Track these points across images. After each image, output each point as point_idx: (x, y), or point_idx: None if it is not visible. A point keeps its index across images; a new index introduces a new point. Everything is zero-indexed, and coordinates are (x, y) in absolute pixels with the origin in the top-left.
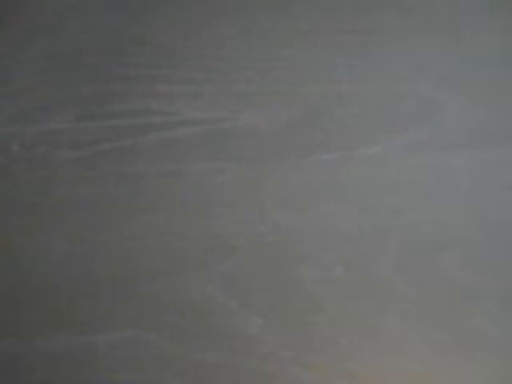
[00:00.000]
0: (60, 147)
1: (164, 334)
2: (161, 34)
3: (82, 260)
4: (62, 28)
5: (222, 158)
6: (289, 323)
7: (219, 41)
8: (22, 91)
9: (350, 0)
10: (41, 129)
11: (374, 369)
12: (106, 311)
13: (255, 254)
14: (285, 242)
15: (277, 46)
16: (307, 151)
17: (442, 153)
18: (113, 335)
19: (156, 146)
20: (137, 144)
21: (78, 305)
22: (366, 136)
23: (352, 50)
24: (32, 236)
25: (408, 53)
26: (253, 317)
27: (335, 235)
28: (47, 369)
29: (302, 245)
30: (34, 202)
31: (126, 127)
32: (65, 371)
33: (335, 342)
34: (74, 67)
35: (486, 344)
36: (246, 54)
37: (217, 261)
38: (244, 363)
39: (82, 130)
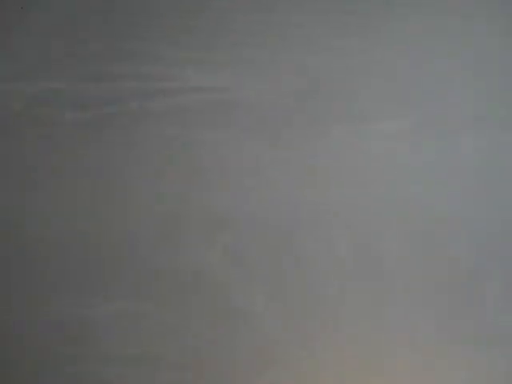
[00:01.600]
0: (63, 108)
1: (162, 305)
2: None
3: (81, 226)
4: None
5: (227, 128)
6: (291, 298)
7: (229, 12)
8: (25, 49)
9: None
10: (43, 88)
11: (376, 345)
12: (104, 281)
13: (257, 227)
14: (289, 215)
15: (286, 17)
16: (314, 123)
17: (454, 131)
18: (110, 306)
19: (161, 111)
20: (142, 108)
21: (73, 274)
22: (376, 110)
23: (364, 22)
24: (32, 195)
25: (421, 26)
26: (254, 291)
27: (342, 209)
28: (42, 340)
29: (307, 219)
30: (35, 161)
31: (131, 90)
32: (59, 343)
33: (337, 318)
34: (82, 26)
35: (491, 330)
36: (255, 24)
37: (219, 232)
38: (243, 337)
39: (86, 91)
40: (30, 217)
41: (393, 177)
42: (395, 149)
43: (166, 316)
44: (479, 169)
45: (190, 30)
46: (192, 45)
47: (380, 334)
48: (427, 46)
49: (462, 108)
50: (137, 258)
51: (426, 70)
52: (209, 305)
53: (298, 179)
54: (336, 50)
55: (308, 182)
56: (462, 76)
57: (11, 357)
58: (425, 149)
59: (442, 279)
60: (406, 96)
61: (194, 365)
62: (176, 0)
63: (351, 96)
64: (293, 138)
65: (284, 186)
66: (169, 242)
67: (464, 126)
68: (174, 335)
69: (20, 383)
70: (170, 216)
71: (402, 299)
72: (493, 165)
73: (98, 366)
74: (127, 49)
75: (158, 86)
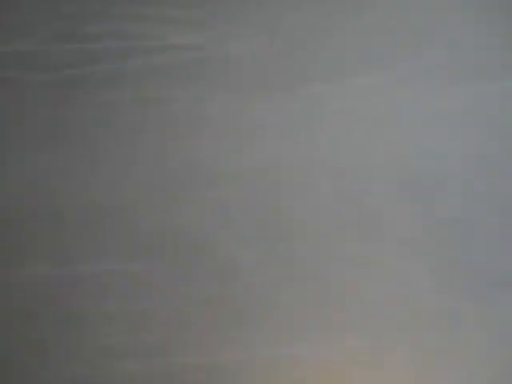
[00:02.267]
0: (32, 69)
1: (152, 264)
2: None
3: (61, 188)
4: None
5: (204, 85)
6: (279, 252)
7: None
8: None
9: None
10: (11, 49)
11: (362, 296)
12: (93, 241)
13: (241, 185)
14: (274, 172)
15: None
16: (295, 80)
17: (440, 84)
18: (99, 265)
19: (137, 71)
20: (116, 69)
21: (62, 234)
22: (359, 65)
23: None
24: (4, 163)
25: None
26: (244, 246)
27: (326, 167)
28: (32, 299)
29: (291, 176)
30: (5, 123)
31: (104, 50)
32: (48, 302)
33: (326, 270)
34: None
35: (485, 275)
36: None
37: (203, 191)
38: (234, 293)
39: (56, 52)
40: (5, 180)
41: (381, 131)
42: (382, 103)
43: (154, 275)
44: (469, 121)
45: None
46: (167, 3)
47: (369, 290)
48: None
49: (451, 58)
50: (122, 220)
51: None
52: (198, 263)
53: (276, 134)
54: (311, 7)
55: (288, 137)
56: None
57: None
58: (414, 101)
59: (436, 230)
60: (390, 49)
61: (184, 322)
62: None
63: (328, 51)
64: (270, 94)
65: (263, 141)
66: (153, 203)
67: (455, 76)
68: (164, 294)
69: (19, 331)
70: (152, 178)
71: (396, 253)
72: (482, 116)
73: (96, 322)
74: (100, 8)
75: (133, 45)
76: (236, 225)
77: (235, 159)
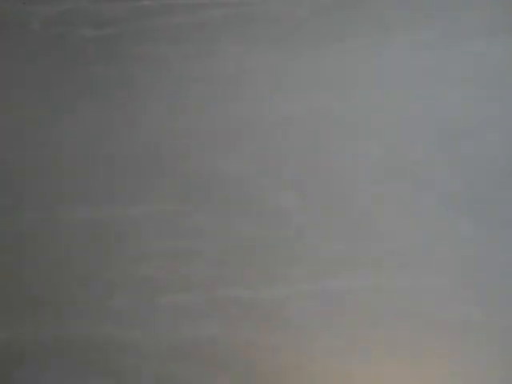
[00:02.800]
0: (81, 26)
1: (196, 207)
2: None
3: (110, 136)
4: None
5: (248, 42)
6: (319, 196)
7: None
8: None
9: None
10: (61, 7)
11: (405, 241)
12: (134, 185)
13: (284, 132)
14: (318, 121)
15: None
16: (336, 37)
17: (479, 40)
18: (142, 207)
19: (180, 27)
20: (160, 25)
21: (101, 180)
22: (400, 25)
23: None
24: (48, 116)
25: None
26: (286, 190)
27: (371, 121)
28: (72, 239)
29: (337, 127)
30: (53, 80)
31: (148, 8)
32: (89, 243)
33: (370, 217)
34: None
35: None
36: None
37: (243, 140)
38: (279, 234)
39: (103, 9)
40: (53, 132)
41: (415, 88)
42: (420, 59)
43: (201, 216)
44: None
45: None
46: None
47: (413, 230)
48: None
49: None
50: (164, 166)
51: None
52: (241, 206)
53: (314, 87)
54: None
55: (325, 90)
56: None
57: (32, 257)
58: (448, 59)
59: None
60: (429, 6)
61: (231, 261)
62: None
63: (372, 8)
64: (312, 50)
65: (302, 93)
66: (195, 152)
67: (477, 35)
68: (211, 234)
69: (46, 276)
70: (194, 129)
71: (435, 202)
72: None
73: (134, 262)
74: None
75: (178, 2)
76: (277, 171)
77: (277, 112)
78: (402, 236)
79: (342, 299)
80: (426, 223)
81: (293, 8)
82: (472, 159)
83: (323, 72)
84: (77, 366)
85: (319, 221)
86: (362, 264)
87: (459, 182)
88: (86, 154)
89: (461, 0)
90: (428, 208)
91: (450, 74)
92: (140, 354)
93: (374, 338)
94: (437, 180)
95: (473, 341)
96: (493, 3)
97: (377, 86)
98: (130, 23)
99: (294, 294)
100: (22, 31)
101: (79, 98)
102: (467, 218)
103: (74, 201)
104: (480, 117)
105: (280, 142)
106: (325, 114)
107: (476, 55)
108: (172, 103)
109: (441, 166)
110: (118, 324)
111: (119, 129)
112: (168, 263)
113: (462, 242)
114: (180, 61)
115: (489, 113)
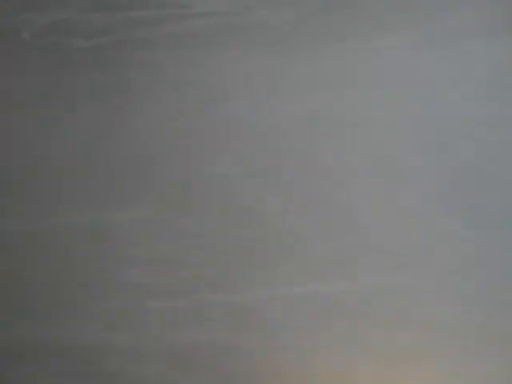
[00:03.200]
0: (73, 36)
1: (183, 212)
2: None
3: (98, 143)
4: None
5: (243, 46)
6: (303, 199)
7: None
8: None
9: None
10: (53, 18)
11: (391, 230)
12: (123, 190)
13: (269, 135)
14: (306, 124)
15: None
16: (320, 42)
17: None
18: (132, 213)
19: (172, 36)
20: (153, 34)
21: (96, 184)
22: (400, 25)
23: None
24: (46, 122)
25: None
26: (272, 196)
27: (370, 121)
28: (69, 243)
29: (323, 129)
30: (47, 89)
31: (140, 18)
32: (86, 246)
33: (356, 217)
34: None
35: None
36: None
37: (235, 142)
38: (261, 240)
39: (96, 20)
40: (46, 139)
41: (408, 87)
42: (409, 60)
43: (181, 220)
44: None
45: None
46: None
47: (411, 230)
48: None
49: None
50: (154, 171)
51: None
52: (226, 209)
53: (309, 91)
54: None
55: (318, 94)
56: None
57: (35, 259)
58: (438, 58)
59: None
60: (418, 7)
61: (212, 263)
62: None
63: (363, 12)
64: (303, 54)
65: (296, 97)
66: (182, 154)
67: (477, 34)
68: (191, 238)
69: (47, 279)
70: (184, 131)
71: (435, 203)
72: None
73: (120, 265)
74: None
75: (166, 13)
76: (260, 173)
77: (266, 113)
78: (399, 237)
79: (329, 301)
80: (425, 224)
81: (278, 15)
82: (470, 160)
83: (321, 73)
84: (72, 366)
85: (302, 226)
86: (349, 266)
87: (458, 181)
88: (74, 161)
89: (461, 0)
90: (427, 208)
91: (450, 74)
92: (125, 356)
93: (371, 339)
94: (436, 180)
95: (473, 341)
96: (493, 3)
97: (376, 86)
98: (123, 32)
99: (280, 297)
100: (13, 40)
101: (73, 103)
102: (466, 218)
103: (61, 207)
104: (480, 117)
105: (268, 145)
106: (322, 115)
107: (476, 55)
108: (166, 106)
109: (440, 166)
110: (106, 327)
111: (113, 135)
112: (153, 268)
113: (462, 243)
114: (174, 66)
115: (489, 113)
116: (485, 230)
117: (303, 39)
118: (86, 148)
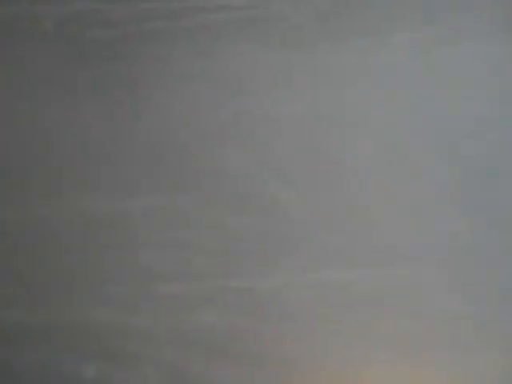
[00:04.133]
0: (93, 27)
1: (196, 199)
2: None
3: (116, 133)
4: None
5: (254, 43)
6: (318, 191)
7: None
8: None
9: None
10: (73, 8)
11: (402, 229)
12: (140, 177)
13: (283, 128)
14: (321, 121)
15: None
16: (339, 37)
17: (479, 42)
18: (147, 200)
19: (189, 29)
20: (170, 27)
21: (110, 171)
22: (398, 24)
23: None
24: (68, 112)
25: None
26: (284, 185)
27: (371, 120)
28: (85, 231)
29: (336, 125)
30: (67, 79)
31: (159, 10)
32: (101, 234)
33: (369, 212)
34: None
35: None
36: None
37: (249, 133)
38: (275, 227)
39: (114, 11)
40: (62, 129)
41: (416, 88)
42: (417, 60)
43: (200, 208)
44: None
45: None
46: None
47: (412, 226)
48: None
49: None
50: (168, 160)
51: None
52: (240, 198)
53: (316, 85)
54: None
55: (327, 88)
56: None
57: (46, 247)
58: (446, 59)
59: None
60: (430, 6)
61: (227, 250)
62: None
63: (371, 11)
64: (312, 49)
65: (310, 94)
66: (198, 144)
67: (477, 35)
68: (206, 225)
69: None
70: (201, 122)
71: (435, 201)
72: None
73: (135, 251)
74: None
75: (184, 5)
76: (276, 166)
77: (279, 108)
78: (401, 230)
79: (340, 290)
80: (425, 220)
81: (294, 10)
82: (471, 159)
83: (325, 70)
84: (78, 351)
85: (318, 214)
86: (360, 256)
87: (458, 180)
88: (87, 148)
89: (460, 0)
90: (427, 206)
91: (449, 75)
92: (140, 340)
93: (373, 330)
94: (436, 179)
95: (472, 334)
96: (493, 3)
97: (377, 85)
98: (134, 25)
99: (293, 284)
100: (33, 31)
101: (88, 95)
102: (465, 215)
103: (74, 192)
104: (480, 117)
105: (280, 137)
106: (325, 112)
107: (476, 55)
108: (178, 99)
109: (440, 165)
110: (117, 310)
111: (122, 124)
112: (167, 253)
113: (460, 238)
114: (186, 59)
115: (489, 113)
116: (484, 230)
117: (320, 34)
118: (100, 136)
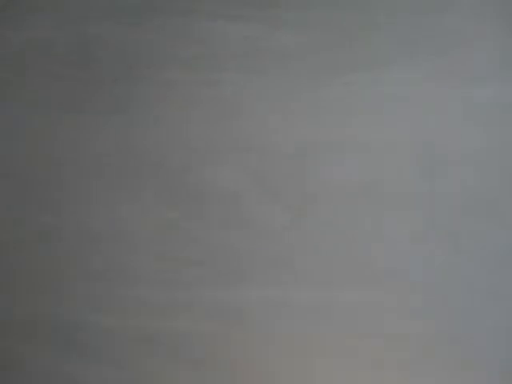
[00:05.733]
0: (99, 50)
1: (189, 215)
2: None
3: (122, 148)
4: None
5: (255, 72)
6: (307, 212)
7: None
8: None
9: None
10: (78, 31)
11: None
12: (138, 189)
13: (281, 158)
14: (308, 152)
15: None
16: (336, 71)
17: (467, 84)
18: (142, 213)
19: (194, 57)
20: (167, 55)
21: (103, 188)
22: (389, 59)
23: None
24: (60, 126)
25: None
26: (278, 207)
27: (366, 146)
28: (75, 239)
29: (327, 154)
30: (79, 101)
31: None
32: (87, 243)
33: (353, 231)
34: None
35: None
36: None
37: (245, 158)
38: (269, 249)
39: (121, 36)
40: (63, 142)
41: (409, 120)
42: (413, 94)
43: (190, 223)
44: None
45: None
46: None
47: (389, 251)
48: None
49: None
50: (165, 175)
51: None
52: (228, 216)
53: (314, 116)
54: (356, 8)
55: (324, 117)
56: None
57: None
58: (442, 95)
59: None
60: (427, 42)
61: (212, 262)
62: None
63: (368, 46)
64: (313, 82)
65: (305, 129)
66: (197, 166)
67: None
68: (197, 238)
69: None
70: (199, 141)
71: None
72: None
73: (126, 259)
74: (161, 4)
75: (184, 33)
76: (270, 187)
77: (274, 135)
78: (377, 254)
79: (307, 308)
80: (403, 247)
81: (297, 41)
82: (471, 185)
83: (322, 100)
84: (74, 350)
85: (306, 237)
86: (337, 277)
87: (439, 208)
88: (88, 163)
89: (460, 37)
90: (408, 232)
91: (449, 107)
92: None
93: (358, 351)
94: (419, 205)
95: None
96: (494, 42)
97: (376, 113)
98: (143, 50)
99: (263, 299)
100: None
101: (99, 115)
102: (442, 242)
103: (76, 204)
104: (480, 142)
105: (275, 159)
106: (324, 138)
107: (475, 84)
108: (178, 122)
109: (427, 192)
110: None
111: (126, 141)
112: (156, 264)
113: (437, 265)
114: (189, 85)
115: (489, 139)
116: (479, 256)
117: (314, 66)
118: (100, 156)
